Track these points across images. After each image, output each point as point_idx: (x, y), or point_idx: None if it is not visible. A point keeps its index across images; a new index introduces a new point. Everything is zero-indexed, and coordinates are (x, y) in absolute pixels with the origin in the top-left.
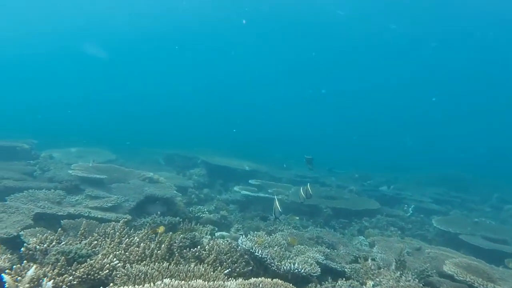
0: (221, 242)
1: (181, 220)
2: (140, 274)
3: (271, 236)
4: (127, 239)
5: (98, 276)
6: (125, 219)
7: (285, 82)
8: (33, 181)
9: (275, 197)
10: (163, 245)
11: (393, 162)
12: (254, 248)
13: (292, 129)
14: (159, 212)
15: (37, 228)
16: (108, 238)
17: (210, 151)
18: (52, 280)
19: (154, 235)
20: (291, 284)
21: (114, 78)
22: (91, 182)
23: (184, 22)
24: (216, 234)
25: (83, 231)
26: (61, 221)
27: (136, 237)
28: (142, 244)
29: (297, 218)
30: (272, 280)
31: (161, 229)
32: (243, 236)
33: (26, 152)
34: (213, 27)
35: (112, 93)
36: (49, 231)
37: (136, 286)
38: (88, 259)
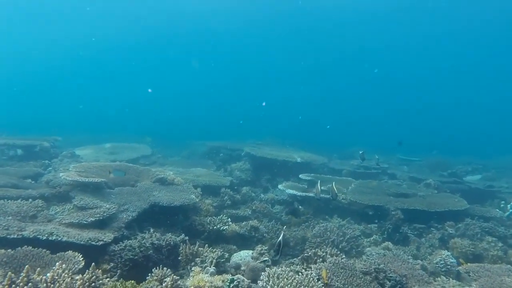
0: None
1: (185, 239)
2: None
3: (300, 275)
4: None
5: None
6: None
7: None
8: (21, 188)
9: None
10: None
11: (474, 146)
12: None
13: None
14: (151, 230)
15: None
16: None
17: (259, 141)
18: None
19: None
20: None
21: (169, 76)
22: (85, 187)
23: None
24: (232, 258)
25: None
26: None
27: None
28: None
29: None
30: None
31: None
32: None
33: (45, 150)
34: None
35: (169, 89)
36: None
37: None
38: None
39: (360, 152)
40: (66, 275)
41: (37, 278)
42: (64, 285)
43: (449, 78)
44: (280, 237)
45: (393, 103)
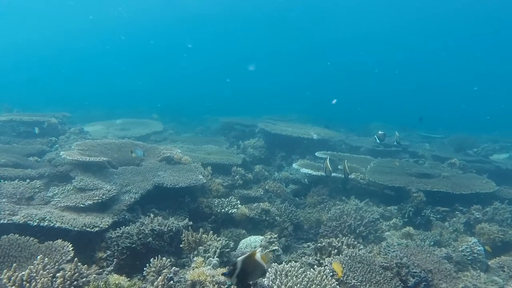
0: None
1: (188, 224)
2: None
3: (311, 272)
4: None
5: None
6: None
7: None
8: (22, 167)
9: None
10: None
11: (500, 123)
12: None
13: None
14: (152, 215)
15: None
16: None
17: (276, 117)
18: None
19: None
20: None
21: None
22: (88, 167)
23: None
24: (240, 244)
25: None
26: None
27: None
28: None
29: None
30: None
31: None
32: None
33: (53, 127)
34: None
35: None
36: None
37: None
38: None
39: (380, 133)
40: (46, 272)
41: (5, 280)
42: (40, 285)
43: (472, 53)
44: (239, 258)
45: (414, 79)
